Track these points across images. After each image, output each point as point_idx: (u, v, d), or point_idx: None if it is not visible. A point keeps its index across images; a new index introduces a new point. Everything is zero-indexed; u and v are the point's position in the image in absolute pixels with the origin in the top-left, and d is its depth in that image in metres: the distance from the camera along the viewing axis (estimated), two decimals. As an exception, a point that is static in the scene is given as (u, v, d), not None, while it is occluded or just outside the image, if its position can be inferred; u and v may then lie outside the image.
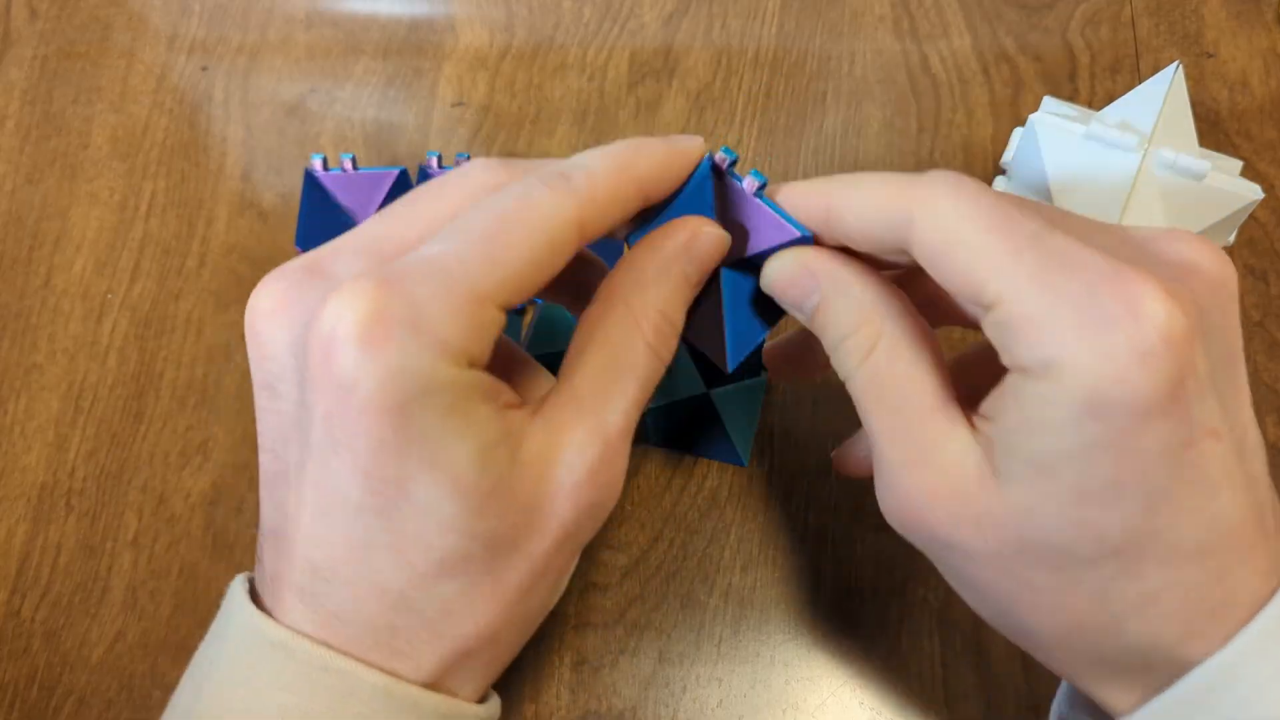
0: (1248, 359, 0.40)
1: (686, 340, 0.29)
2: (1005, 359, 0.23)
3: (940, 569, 0.27)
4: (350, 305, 0.22)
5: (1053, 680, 0.35)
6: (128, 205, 0.43)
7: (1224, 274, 0.24)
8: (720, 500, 0.38)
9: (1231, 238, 0.37)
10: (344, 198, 0.40)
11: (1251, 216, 0.41)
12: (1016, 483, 0.23)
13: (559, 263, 0.24)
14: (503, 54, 0.46)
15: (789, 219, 0.27)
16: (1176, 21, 0.45)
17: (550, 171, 0.25)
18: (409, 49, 0.46)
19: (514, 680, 0.35)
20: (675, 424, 0.38)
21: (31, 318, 0.41)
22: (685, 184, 0.28)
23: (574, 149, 0.43)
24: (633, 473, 0.38)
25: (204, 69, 0.46)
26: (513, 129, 0.44)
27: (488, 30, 0.46)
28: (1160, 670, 0.24)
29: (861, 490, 0.38)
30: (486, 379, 0.24)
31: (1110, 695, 0.25)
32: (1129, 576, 0.23)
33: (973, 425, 0.25)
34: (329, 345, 0.22)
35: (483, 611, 0.25)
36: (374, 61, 0.46)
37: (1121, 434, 0.22)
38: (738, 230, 0.28)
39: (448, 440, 0.23)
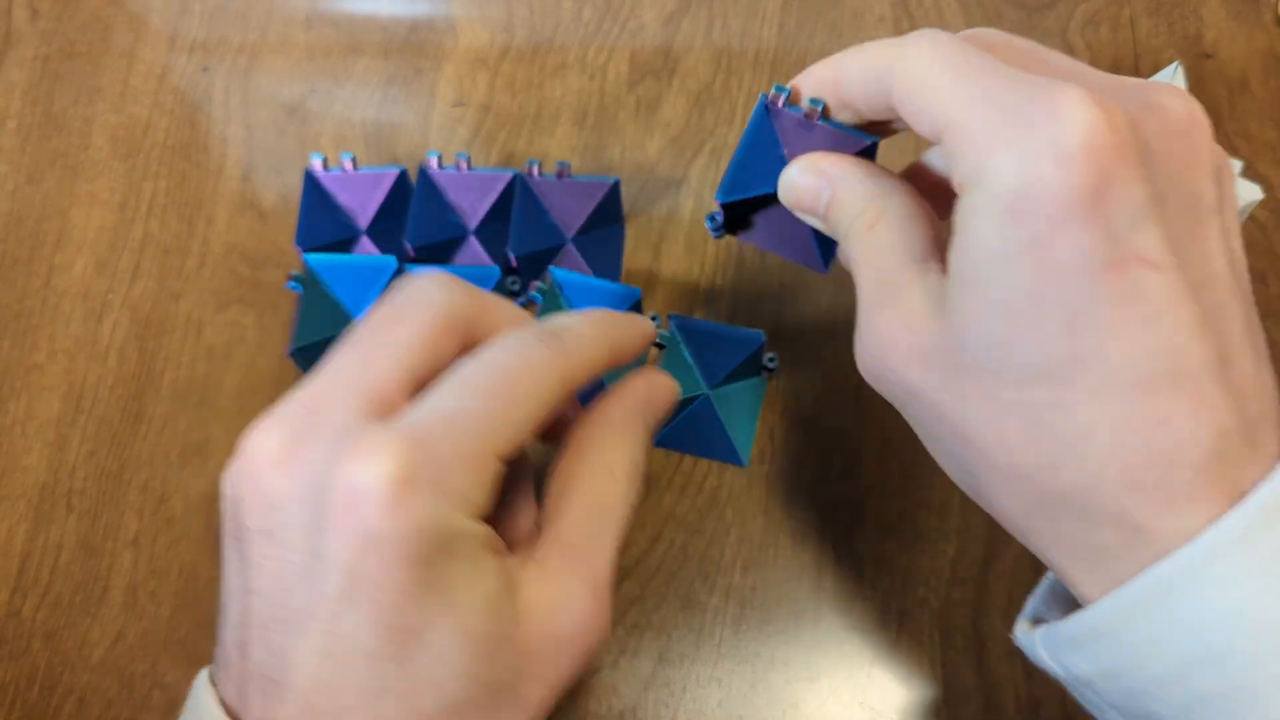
0: (1248, 359, 0.40)
1: (771, 250, 0.33)
2: (954, 184, 0.24)
3: (911, 425, 0.27)
4: (380, 462, 0.23)
5: (1052, 680, 0.35)
6: (128, 205, 0.43)
7: (1188, 116, 0.24)
8: (720, 500, 0.38)
9: None
10: (344, 197, 0.40)
11: (1251, 217, 0.41)
12: (954, 303, 0.24)
13: (548, 415, 0.26)
14: (503, 54, 0.46)
15: (853, 131, 0.29)
16: (1176, 22, 0.45)
17: (542, 331, 0.27)
18: (409, 49, 0.46)
19: (514, 680, 0.35)
20: (675, 424, 0.38)
21: (32, 318, 0.41)
22: (750, 130, 0.31)
23: (574, 149, 0.44)
24: (633, 473, 0.38)
25: (204, 69, 0.46)
26: (513, 129, 0.44)
27: (488, 30, 0.46)
28: (1111, 544, 0.23)
29: (862, 490, 0.38)
30: (489, 529, 0.26)
31: (1076, 577, 0.24)
32: (1060, 407, 0.23)
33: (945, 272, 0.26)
34: (356, 500, 0.23)
35: None
36: (374, 61, 0.46)
37: (1039, 240, 0.22)
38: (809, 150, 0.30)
39: (461, 591, 0.24)
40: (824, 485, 0.38)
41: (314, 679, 0.24)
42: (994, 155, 0.22)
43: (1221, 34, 0.45)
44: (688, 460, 0.38)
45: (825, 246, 0.32)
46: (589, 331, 0.28)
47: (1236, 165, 0.37)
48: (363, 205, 0.41)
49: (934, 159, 0.31)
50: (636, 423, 0.30)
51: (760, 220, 0.33)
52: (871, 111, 0.28)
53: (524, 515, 0.29)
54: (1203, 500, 0.22)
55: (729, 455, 0.38)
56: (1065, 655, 0.25)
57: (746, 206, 0.33)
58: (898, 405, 0.27)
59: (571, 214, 0.40)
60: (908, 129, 0.27)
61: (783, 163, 0.31)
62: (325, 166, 0.40)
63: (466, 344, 0.28)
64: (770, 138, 0.31)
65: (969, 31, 0.27)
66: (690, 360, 0.37)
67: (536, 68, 0.45)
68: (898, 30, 0.45)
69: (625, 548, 0.35)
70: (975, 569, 0.36)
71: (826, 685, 0.35)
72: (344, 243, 0.41)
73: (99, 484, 0.39)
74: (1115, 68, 0.44)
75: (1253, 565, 0.21)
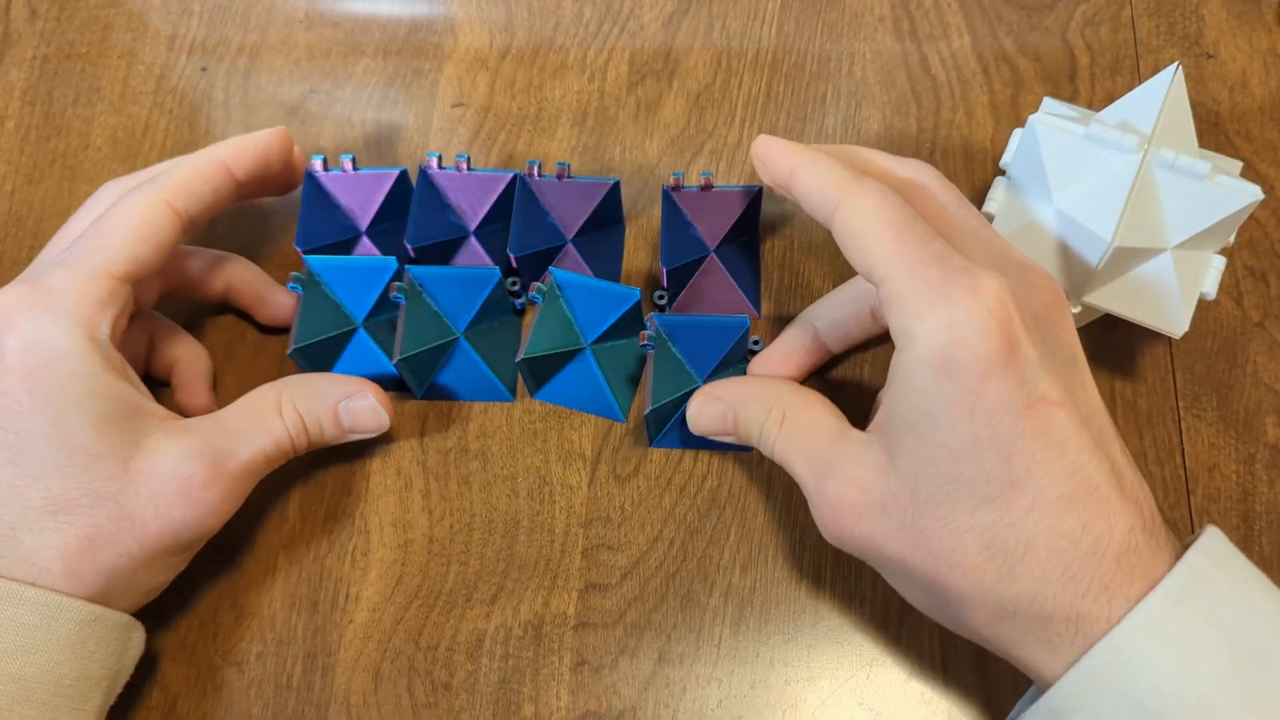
0: (1248, 359, 0.40)
1: (696, 318, 0.38)
2: (891, 331, 0.29)
3: (882, 574, 0.32)
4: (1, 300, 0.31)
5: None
6: (128, 206, 0.43)
7: (1054, 290, 0.30)
8: (720, 500, 0.38)
9: (1232, 238, 0.37)
10: (344, 198, 0.40)
11: (1252, 217, 0.41)
12: (902, 452, 0.29)
13: (164, 240, 0.33)
14: (503, 55, 0.46)
15: (739, 187, 0.39)
16: (1176, 22, 0.45)
17: (141, 177, 0.35)
18: (409, 50, 0.46)
19: (513, 680, 0.35)
20: (674, 421, 0.38)
21: (31, 318, 0.41)
22: (663, 214, 0.39)
23: (574, 149, 0.44)
24: (632, 473, 0.38)
25: (204, 69, 0.46)
26: (513, 130, 0.44)
27: (488, 31, 0.46)
28: (1062, 634, 0.27)
29: (861, 491, 0.38)
30: (113, 354, 0.32)
31: (1039, 668, 0.28)
32: (1006, 524, 0.28)
33: (867, 431, 0.32)
34: None
35: (73, 546, 0.30)
36: (374, 62, 0.46)
37: (970, 392, 0.27)
38: (710, 217, 0.40)
39: (70, 408, 0.30)
40: (824, 486, 0.38)
41: None
42: (922, 320, 0.28)
43: (1222, 34, 0.45)
44: (687, 460, 0.38)
45: (753, 294, 0.41)
46: (186, 160, 0.35)
47: (1236, 165, 0.37)
48: (363, 206, 0.41)
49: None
50: (328, 397, 0.35)
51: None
52: (809, 212, 0.32)
53: (200, 396, 0.38)
54: (1124, 587, 0.27)
55: (732, 445, 0.38)
56: None
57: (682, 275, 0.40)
58: (863, 557, 0.31)
59: (572, 215, 0.40)
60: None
61: (694, 230, 0.40)
62: (326, 167, 0.40)
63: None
64: (679, 214, 0.39)
65: (908, 171, 0.33)
66: (679, 356, 0.37)
67: (536, 69, 0.45)
68: (897, 31, 0.45)
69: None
70: (975, 569, 0.36)
71: (826, 686, 0.35)
72: (344, 243, 0.41)
73: (99, 484, 0.39)
74: (1115, 68, 0.44)
75: (1169, 640, 0.26)
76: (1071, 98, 0.43)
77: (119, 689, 0.33)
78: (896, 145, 0.43)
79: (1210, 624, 0.26)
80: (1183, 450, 0.38)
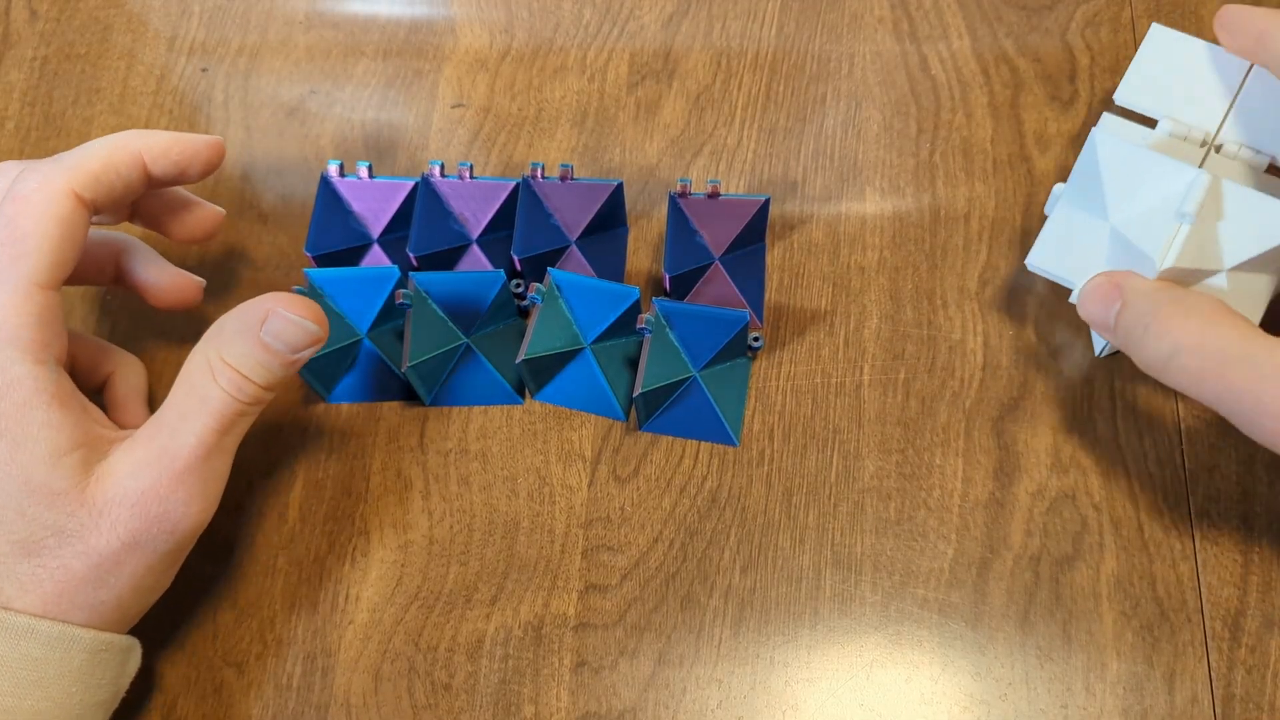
0: (1247, 360, 0.40)
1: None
2: None
3: None
4: None
5: (1054, 678, 0.35)
6: (128, 206, 0.43)
7: None
8: (720, 500, 0.38)
9: None
10: (358, 205, 0.40)
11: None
12: None
13: (80, 237, 0.31)
14: (502, 55, 0.46)
15: (746, 195, 0.40)
16: (1176, 23, 0.45)
17: (40, 162, 0.32)
18: (409, 50, 0.46)
19: (512, 681, 0.35)
20: (666, 408, 0.38)
21: (31, 319, 0.41)
22: (669, 219, 0.39)
23: (574, 150, 0.44)
24: (632, 474, 0.38)
25: (204, 70, 0.46)
26: (513, 130, 0.44)
27: (488, 32, 0.46)
28: None
29: (862, 490, 0.38)
30: (60, 379, 0.30)
31: None
32: None
33: None
34: None
35: (50, 591, 0.30)
36: (374, 63, 0.46)
37: None
38: (717, 225, 0.39)
39: (24, 445, 0.29)
40: (823, 485, 0.38)
41: None
42: None
43: (1220, 35, 0.45)
44: (687, 460, 0.38)
45: (758, 305, 0.40)
46: (99, 146, 0.32)
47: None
48: (376, 214, 0.40)
49: None
50: (250, 334, 0.31)
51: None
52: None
53: (138, 417, 0.35)
54: None
55: (720, 435, 0.38)
56: None
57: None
58: None
59: (575, 216, 0.40)
60: None
61: (700, 238, 0.39)
62: (341, 173, 0.40)
63: None
64: (685, 221, 0.39)
65: None
66: (676, 343, 0.37)
67: (536, 69, 0.45)
68: (897, 32, 0.45)
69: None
70: (974, 570, 0.36)
71: (826, 687, 0.35)
72: (355, 250, 0.40)
73: (99, 485, 0.39)
74: (1115, 68, 0.44)
75: None
76: (1071, 98, 0.43)
77: (115, 706, 0.33)
78: (896, 146, 0.43)
79: None
80: (1183, 450, 0.38)
